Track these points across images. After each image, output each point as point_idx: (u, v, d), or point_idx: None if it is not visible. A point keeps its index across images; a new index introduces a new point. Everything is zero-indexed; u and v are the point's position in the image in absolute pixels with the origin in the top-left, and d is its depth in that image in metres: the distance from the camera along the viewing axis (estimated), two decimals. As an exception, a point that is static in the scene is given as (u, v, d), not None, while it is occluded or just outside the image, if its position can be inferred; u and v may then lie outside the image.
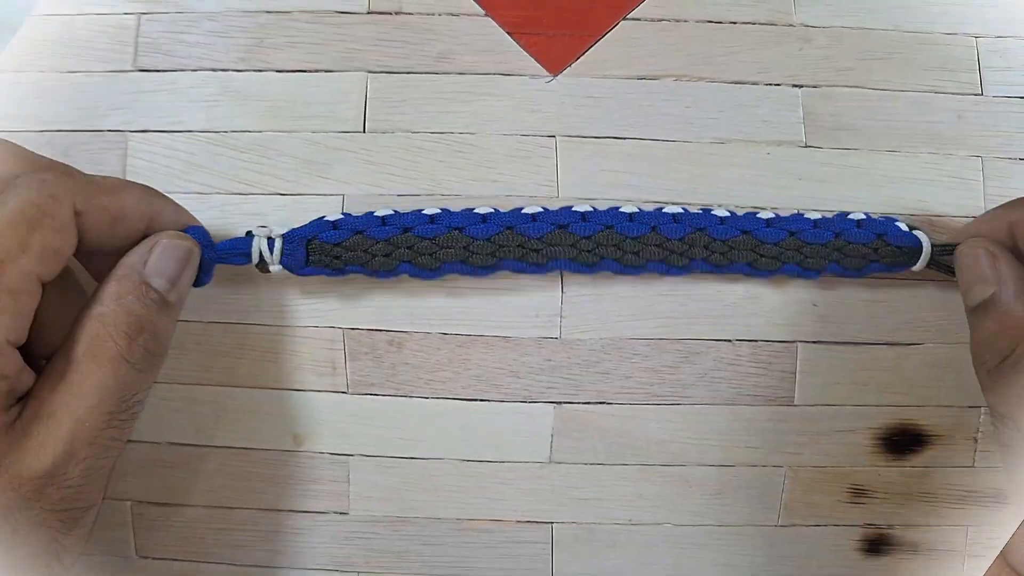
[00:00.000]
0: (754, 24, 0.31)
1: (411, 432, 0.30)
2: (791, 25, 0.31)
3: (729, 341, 0.31)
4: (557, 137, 0.30)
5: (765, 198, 0.31)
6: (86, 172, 0.25)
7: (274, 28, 0.31)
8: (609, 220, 0.28)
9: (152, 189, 0.26)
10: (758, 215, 0.29)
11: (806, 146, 0.31)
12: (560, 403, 0.30)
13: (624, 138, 0.30)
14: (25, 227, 0.23)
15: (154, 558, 0.30)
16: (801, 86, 0.31)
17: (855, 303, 0.31)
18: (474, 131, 0.30)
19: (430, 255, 0.27)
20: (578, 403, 0.31)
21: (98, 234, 0.25)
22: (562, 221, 0.27)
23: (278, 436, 0.30)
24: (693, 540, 0.31)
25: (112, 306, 0.24)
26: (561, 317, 0.30)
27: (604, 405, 0.31)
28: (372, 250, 0.27)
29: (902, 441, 0.31)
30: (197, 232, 0.27)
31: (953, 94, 0.31)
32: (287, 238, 0.27)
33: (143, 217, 0.26)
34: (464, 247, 0.27)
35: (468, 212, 0.28)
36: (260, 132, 0.30)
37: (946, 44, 0.31)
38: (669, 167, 0.31)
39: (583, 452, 0.31)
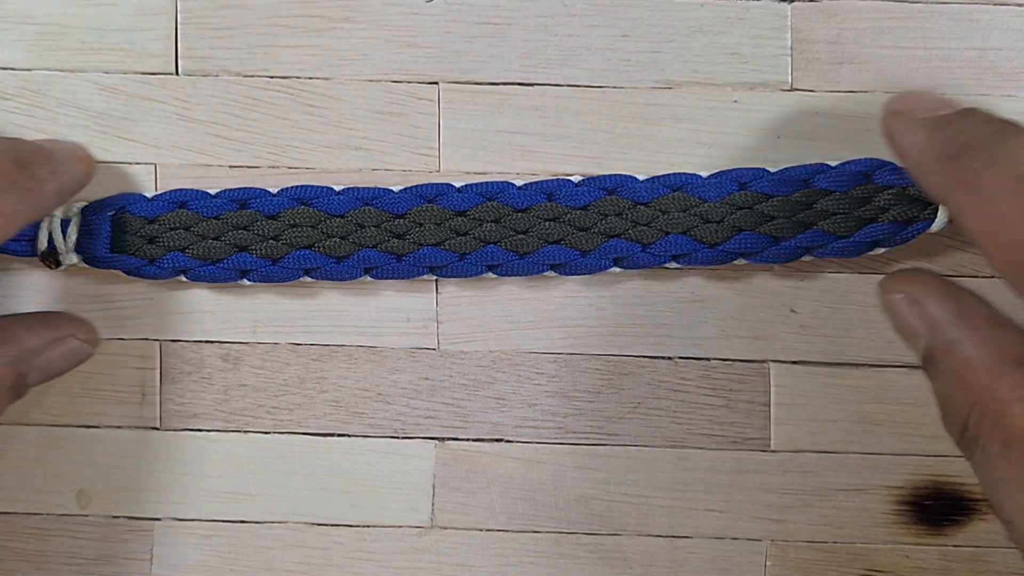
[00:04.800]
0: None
1: (243, 483, 0.29)
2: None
3: (669, 359, 0.29)
4: (441, 85, 0.28)
5: (725, 167, 0.28)
6: None
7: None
8: (492, 191, 0.27)
9: (27, 170, 0.25)
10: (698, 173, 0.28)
11: (792, 89, 0.28)
12: (443, 439, 0.28)
13: (531, 84, 0.28)
14: None
15: None
16: None
17: (850, 308, 0.29)
18: (328, 75, 0.28)
19: (273, 238, 0.26)
20: (466, 439, 0.28)
21: None
22: (431, 194, 0.27)
23: (54, 494, 0.29)
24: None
25: None
26: (438, 322, 0.29)
27: (502, 443, 0.28)
28: (199, 229, 0.27)
29: (937, 507, 0.28)
30: None
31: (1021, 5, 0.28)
32: (86, 212, 0.27)
33: (22, 225, 0.25)
34: (314, 225, 0.27)
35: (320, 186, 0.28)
36: (29, 71, 0.29)
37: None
38: (592, 125, 0.28)
39: (476, 511, 0.28)
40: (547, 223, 0.27)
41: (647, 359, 0.28)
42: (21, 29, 0.29)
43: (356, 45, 0.28)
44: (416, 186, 0.27)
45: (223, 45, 0.28)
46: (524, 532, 0.28)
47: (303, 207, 0.27)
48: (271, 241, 0.26)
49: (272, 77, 0.28)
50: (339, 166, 0.28)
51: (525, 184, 0.27)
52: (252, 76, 0.28)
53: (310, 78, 0.28)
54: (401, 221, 0.27)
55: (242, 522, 0.28)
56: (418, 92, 0.28)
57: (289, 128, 0.28)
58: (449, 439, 0.28)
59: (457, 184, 0.27)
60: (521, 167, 0.28)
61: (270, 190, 0.27)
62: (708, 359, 0.28)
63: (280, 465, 0.28)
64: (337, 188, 0.27)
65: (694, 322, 0.29)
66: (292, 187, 0.27)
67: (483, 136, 0.28)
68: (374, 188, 0.27)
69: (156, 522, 0.29)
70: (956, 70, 0.28)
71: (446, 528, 0.28)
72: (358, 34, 0.28)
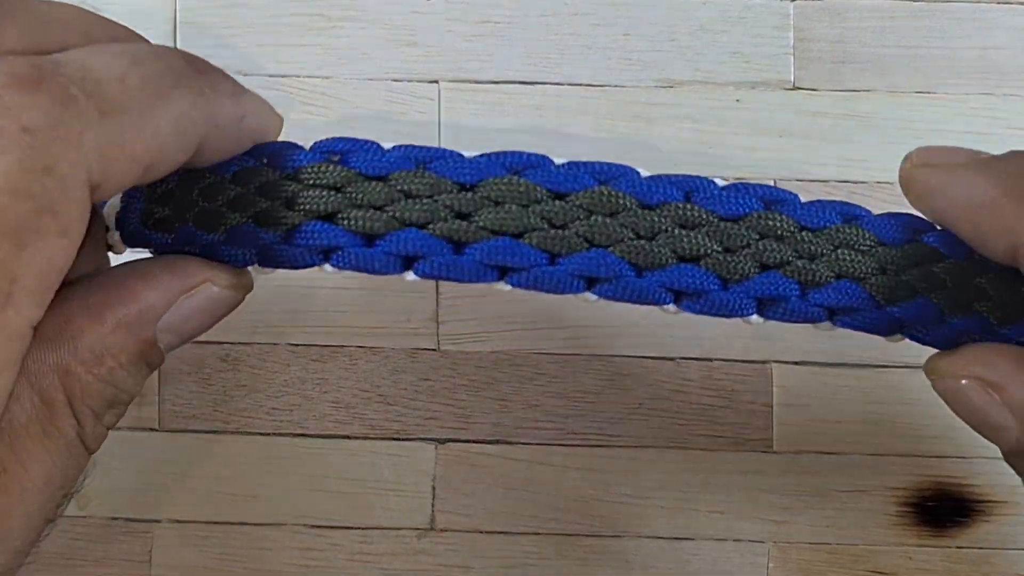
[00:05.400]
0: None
1: (242, 485, 0.28)
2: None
3: (671, 360, 0.28)
4: (441, 83, 0.28)
5: (727, 166, 0.28)
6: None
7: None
8: (607, 173, 0.20)
9: (204, 75, 0.19)
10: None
11: (794, 88, 0.28)
12: (443, 440, 0.28)
13: (532, 83, 0.28)
14: (8, 247, 0.16)
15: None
16: (795, -1, 0.28)
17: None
18: (328, 74, 0.28)
19: (286, 205, 0.19)
20: (467, 441, 0.28)
21: (118, 189, 0.18)
22: (517, 164, 0.20)
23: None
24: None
25: (92, 368, 0.19)
26: (438, 323, 0.28)
27: (503, 444, 0.28)
28: (204, 192, 0.20)
29: (940, 509, 0.28)
30: None
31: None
32: (130, 194, 0.21)
33: (190, 146, 0.18)
34: (340, 187, 0.19)
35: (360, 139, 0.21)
36: None
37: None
38: (594, 124, 0.28)
39: (477, 513, 0.28)
40: (682, 231, 0.19)
41: (649, 360, 0.28)
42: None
43: (356, 44, 0.28)
44: (496, 152, 0.20)
45: (223, 44, 0.28)
46: (525, 534, 0.28)
47: (331, 165, 0.20)
48: (285, 211, 0.20)
49: (272, 76, 0.28)
50: (339, 165, 0.28)
51: (653, 175, 0.20)
52: (252, 75, 0.28)
53: (310, 77, 0.28)
54: (468, 195, 0.19)
55: (241, 524, 0.28)
56: (418, 91, 0.28)
57: (289, 127, 0.27)
58: (450, 440, 0.28)
59: (557, 159, 0.20)
60: (521, 166, 0.28)
61: (300, 145, 0.21)
62: (710, 360, 0.28)
63: (280, 466, 0.28)
64: (386, 145, 0.20)
65: (696, 322, 0.27)
66: (323, 141, 0.21)
67: (484, 135, 0.28)
68: (436, 148, 0.20)
69: (155, 523, 0.28)
70: (959, 69, 0.28)
71: (447, 530, 0.28)
72: (358, 33, 0.28)
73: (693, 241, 0.19)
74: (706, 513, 0.28)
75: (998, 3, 0.28)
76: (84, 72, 0.16)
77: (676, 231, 0.19)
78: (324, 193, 0.19)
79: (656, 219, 0.19)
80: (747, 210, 0.19)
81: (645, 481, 0.28)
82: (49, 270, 0.16)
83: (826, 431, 0.28)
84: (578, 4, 0.28)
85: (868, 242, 0.20)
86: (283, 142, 0.20)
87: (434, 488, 0.28)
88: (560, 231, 0.19)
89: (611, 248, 0.19)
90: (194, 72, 0.19)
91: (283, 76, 0.28)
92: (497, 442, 0.28)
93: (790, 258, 0.19)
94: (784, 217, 0.19)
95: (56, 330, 0.19)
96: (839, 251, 0.19)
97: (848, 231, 0.19)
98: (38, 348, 0.18)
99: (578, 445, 0.28)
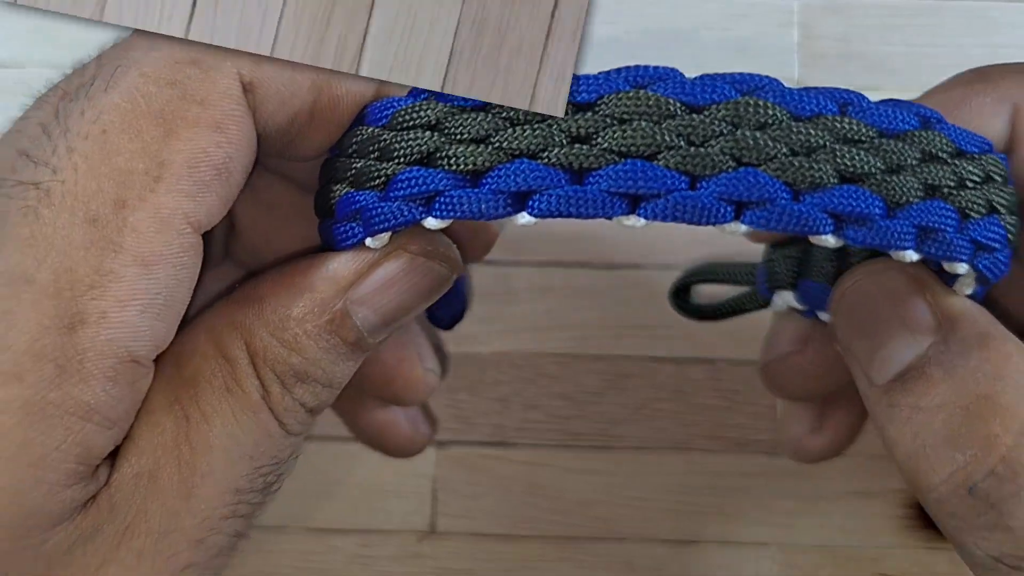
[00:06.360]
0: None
1: None
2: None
3: (674, 361, 0.29)
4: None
5: None
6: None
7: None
8: (748, 84, 0.17)
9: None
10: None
11: (799, 86, 0.28)
12: (444, 442, 0.28)
13: None
14: (154, 130, 0.16)
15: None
16: (801, -5, 0.28)
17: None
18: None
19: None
20: (467, 443, 0.28)
21: (276, 93, 0.18)
22: (641, 77, 0.17)
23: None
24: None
25: (275, 332, 0.19)
26: None
27: (504, 446, 0.28)
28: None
29: None
30: None
31: (1028, 3, 0.28)
32: None
33: (310, 91, 0.18)
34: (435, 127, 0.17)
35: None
36: (23, 68, 0.28)
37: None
38: None
39: (477, 516, 0.28)
40: (843, 147, 0.16)
41: (651, 361, 0.28)
42: (14, 25, 0.28)
43: (356, 41, 0.28)
44: (615, 68, 0.17)
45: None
46: (527, 537, 0.28)
47: (427, 102, 0.17)
48: (379, 164, 0.17)
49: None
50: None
51: (800, 87, 0.17)
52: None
53: (309, 75, 0.28)
54: (587, 115, 0.16)
55: (241, 527, 0.28)
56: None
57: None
58: (450, 442, 0.28)
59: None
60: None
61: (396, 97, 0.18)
62: (713, 361, 0.28)
63: (279, 469, 0.28)
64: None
65: (698, 323, 0.28)
66: (419, 88, 0.18)
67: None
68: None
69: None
70: (965, 68, 0.27)
71: (447, 533, 0.28)
72: (358, 30, 0.28)
73: (857, 158, 0.16)
74: (709, 516, 0.28)
75: (1005, 1, 0.28)
76: None
77: (836, 147, 0.16)
78: (419, 134, 0.17)
79: (812, 132, 0.16)
80: (907, 127, 0.17)
81: (648, 483, 0.28)
82: (202, 161, 0.16)
83: (831, 433, 0.27)
84: (580, 1, 0.27)
85: (1002, 174, 0.17)
86: (378, 100, 0.18)
87: (434, 491, 0.28)
88: (700, 149, 0.16)
89: (763, 167, 0.16)
90: None
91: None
92: (498, 444, 0.28)
93: (951, 185, 0.16)
94: (943, 138, 0.17)
95: (243, 293, 0.19)
96: (988, 185, 0.17)
97: (993, 160, 0.17)
98: (222, 306, 0.19)
99: (580, 447, 0.28)
